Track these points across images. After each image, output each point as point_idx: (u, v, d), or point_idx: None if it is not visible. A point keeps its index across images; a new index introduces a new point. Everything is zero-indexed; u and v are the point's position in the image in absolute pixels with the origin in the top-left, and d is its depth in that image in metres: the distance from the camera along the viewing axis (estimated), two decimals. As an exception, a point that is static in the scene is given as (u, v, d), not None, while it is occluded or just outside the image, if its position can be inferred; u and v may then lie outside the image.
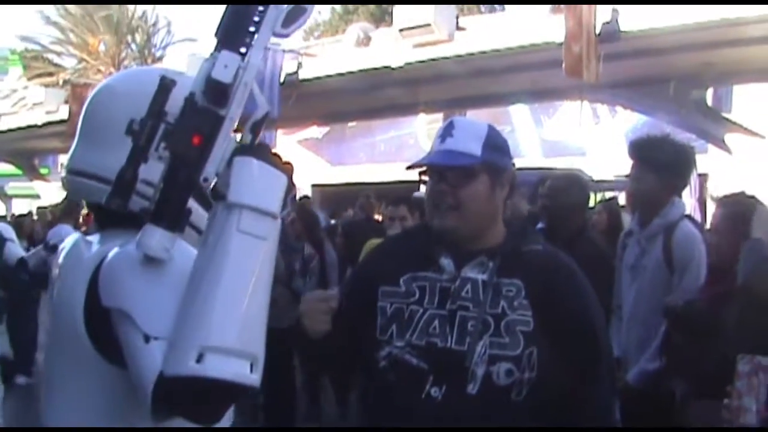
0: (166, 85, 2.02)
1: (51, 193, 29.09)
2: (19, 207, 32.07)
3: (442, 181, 2.87)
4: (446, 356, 2.74)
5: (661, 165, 4.92)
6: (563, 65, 12.97)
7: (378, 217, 10.84)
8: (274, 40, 2.01)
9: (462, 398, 2.71)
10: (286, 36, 2.01)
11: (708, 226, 5.28)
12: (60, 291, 2.36)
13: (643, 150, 5.02)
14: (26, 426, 7.79)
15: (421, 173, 2.96)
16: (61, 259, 2.44)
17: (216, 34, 1.96)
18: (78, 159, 2.37)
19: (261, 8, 1.95)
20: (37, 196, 31.86)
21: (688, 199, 11.85)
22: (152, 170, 2.00)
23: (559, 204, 5.87)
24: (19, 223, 17.29)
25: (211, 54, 1.93)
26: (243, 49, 1.93)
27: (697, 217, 10.19)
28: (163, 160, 1.95)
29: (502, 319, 2.76)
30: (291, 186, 1.97)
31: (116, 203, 2.03)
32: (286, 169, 1.97)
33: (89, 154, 2.33)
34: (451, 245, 2.89)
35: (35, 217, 18.42)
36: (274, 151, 1.97)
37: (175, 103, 1.98)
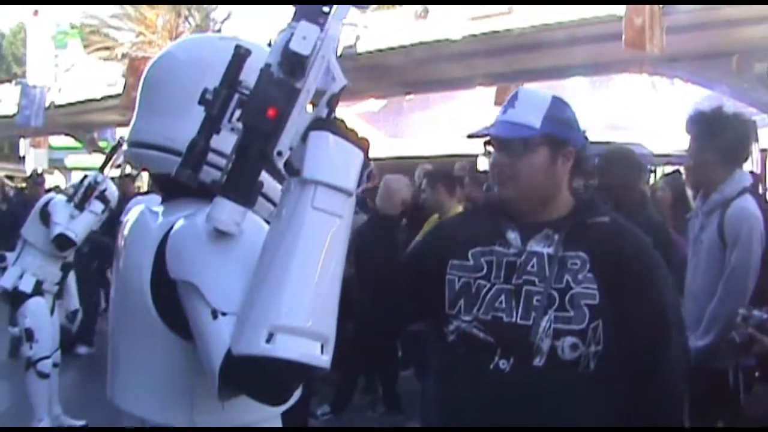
0: (241, 54, 1.96)
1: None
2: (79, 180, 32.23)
3: (502, 151, 2.92)
4: (512, 331, 2.78)
5: (718, 139, 4.85)
6: (623, 38, 12.82)
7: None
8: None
9: (529, 371, 2.75)
10: (366, 7, 1.97)
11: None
12: (126, 262, 2.36)
13: (699, 124, 4.94)
14: (88, 395, 7.91)
15: (485, 143, 2.98)
16: (126, 231, 2.43)
17: (293, 3, 1.91)
18: (141, 130, 2.36)
19: None
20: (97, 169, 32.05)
21: (749, 174, 11.68)
22: (224, 141, 1.97)
23: (610, 180, 5.82)
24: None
25: (288, 24, 1.89)
26: (320, 20, 1.88)
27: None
28: (236, 132, 1.91)
29: (567, 292, 2.79)
30: (367, 162, 1.93)
31: (186, 175, 1.97)
32: (362, 144, 1.92)
33: (153, 124, 2.31)
34: (518, 218, 2.92)
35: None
36: (349, 126, 1.93)
37: (249, 74, 1.94)
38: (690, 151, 4.99)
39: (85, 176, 7.79)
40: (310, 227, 1.84)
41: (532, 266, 2.84)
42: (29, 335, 7.49)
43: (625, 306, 2.79)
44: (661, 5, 13.00)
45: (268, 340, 1.78)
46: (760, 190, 11.40)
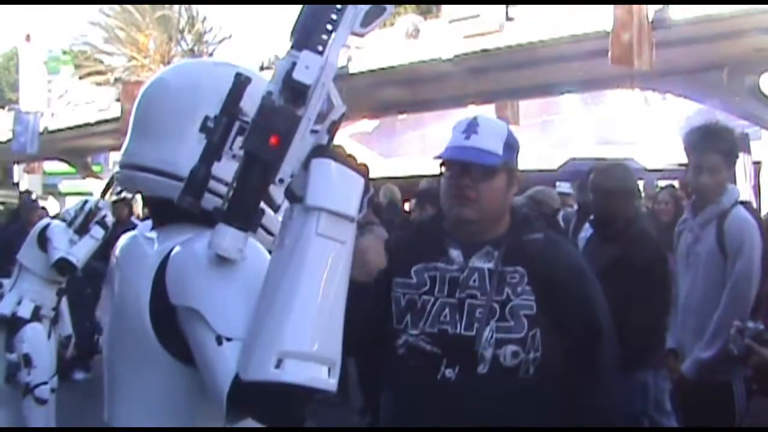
0: (241, 82, 1.99)
1: (104, 190, 29.19)
2: (72, 205, 32.16)
3: (465, 175, 3.07)
4: (457, 341, 2.99)
5: (724, 153, 4.91)
6: (609, 54, 12.86)
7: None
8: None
9: (474, 378, 2.96)
10: (364, 35, 1.99)
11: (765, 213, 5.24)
12: (122, 288, 2.36)
13: (708, 139, 4.98)
14: (86, 421, 7.90)
15: (441, 164, 3.17)
16: (119, 255, 2.44)
17: (292, 32, 1.93)
18: (135, 153, 2.35)
19: (339, 7, 1.92)
20: (90, 194, 31.95)
21: (743, 186, 11.73)
22: (225, 168, 1.99)
23: (603, 195, 5.85)
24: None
25: (288, 52, 1.91)
26: (320, 48, 1.91)
27: (753, 204, 10.07)
28: (237, 159, 1.93)
29: (507, 304, 3.00)
30: (367, 188, 1.96)
31: (188, 202, 1.98)
32: (362, 170, 1.95)
33: (148, 147, 2.31)
34: (460, 237, 3.13)
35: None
36: (348, 152, 1.96)
37: (245, 101, 1.97)
38: (701, 165, 4.96)
39: (86, 201, 7.80)
40: (314, 253, 1.86)
41: (474, 281, 3.05)
42: (27, 361, 7.46)
43: (559, 314, 3.03)
44: (650, 20, 13.05)
45: (277, 366, 1.81)
46: (754, 202, 11.49)
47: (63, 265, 7.34)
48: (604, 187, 5.83)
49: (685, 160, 5.17)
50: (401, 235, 3.88)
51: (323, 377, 1.86)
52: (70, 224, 7.54)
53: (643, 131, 22.79)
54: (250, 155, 1.89)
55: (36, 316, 7.52)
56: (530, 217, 3.36)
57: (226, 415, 1.93)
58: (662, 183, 13.03)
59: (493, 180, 3.06)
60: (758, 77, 15.55)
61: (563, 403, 3.06)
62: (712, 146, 4.91)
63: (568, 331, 3.05)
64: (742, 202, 5.04)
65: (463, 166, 3.08)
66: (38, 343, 7.52)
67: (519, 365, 2.97)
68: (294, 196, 1.91)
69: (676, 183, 12.03)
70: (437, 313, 3.05)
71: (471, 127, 3.10)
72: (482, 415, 2.96)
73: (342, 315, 1.91)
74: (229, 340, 1.97)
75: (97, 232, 7.51)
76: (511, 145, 3.11)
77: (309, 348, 1.84)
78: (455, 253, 3.10)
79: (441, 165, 3.17)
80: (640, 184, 11.00)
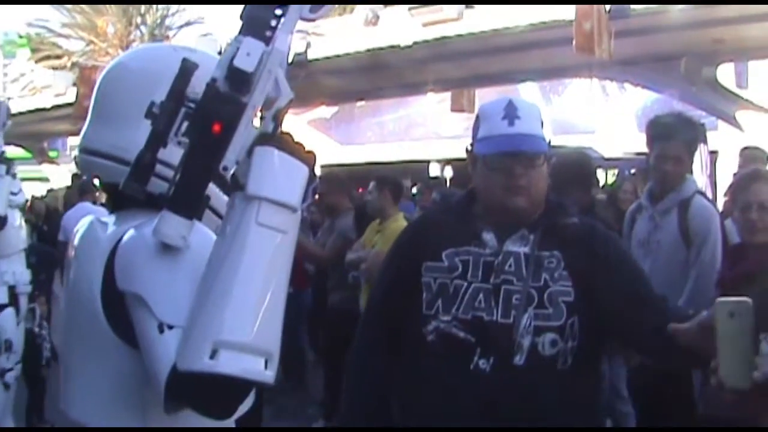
0: (188, 68, 1.95)
1: (60, 176, 29.07)
2: (29, 190, 32.01)
3: (516, 163, 2.90)
4: (493, 329, 2.81)
5: (688, 142, 4.97)
6: (573, 42, 12.93)
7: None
8: None
9: (509, 369, 2.79)
10: (313, 20, 1.95)
11: (720, 202, 5.27)
12: (77, 273, 2.32)
13: (673, 129, 5.01)
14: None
15: (469, 152, 3.03)
16: (76, 241, 2.39)
17: (241, 17, 1.89)
18: (92, 138, 2.32)
19: None
20: (47, 179, 31.83)
21: (699, 177, 11.82)
22: (171, 154, 1.94)
23: (562, 182, 5.85)
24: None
25: (235, 38, 1.87)
26: (268, 33, 1.87)
27: (709, 194, 10.16)
28: (182, 146, 1.88)
29: (545, 290, 2.84)
30: (312, 177, 1.91)
31: (134, 188, 1.94)
32: (308, 158, 1.90)
33: (104, 133, 2.29)
34: (495, 220, 2.95)
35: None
36: (297, 139, 1.91)
37: (196, 86, 1.91)
38: (672, 155, 4.99)
39: None
40: (253, 243, 1.83)
41: (510, 266, 2.88)
42: (8, 346, 7.42)
43: (603, 296, 2.84)
44: (607, 10, 13.13)
45: (211, 357, 1.76)
46: (709, 192, 11.58)
47: None
48: (563, 175, 5.83)
49: (644, 149, 5.20)
50: (427, 219, 3.69)
51: (259, 369, 1.81)
52: None
53: (602, 120, 22.95)
54: (193, 143, 1.86)
55: (13, 297, 7.48)
56: (564, 202, 3.23)
57: (164, 404, 1.91)
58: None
59: (542, 165, 2.92)
60: (715, 68, 15.70)
61: (597, 397, 3.01)
62: (678, 136, 4.94)
63: (619, 287, 2.86)
64: (698, 192, 5.08)
65: (514, 155, 2.91)
66: (12, 327, 7.50)
67: (557, 355, 2.82)
68: (237, 184, 1.87)
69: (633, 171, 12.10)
70: (471, 298, 2.86)
71: (510, 111, 2.92)
72: (518, 409, 2.80)
73: (282, 306, 1.87)
74: (171, 327, 1.93)
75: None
76: (543, 125, 2.97)
77: (245, 338, 1.80)
78: (488, 237, 2.93)
79: (467, 152, 3.06)
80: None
